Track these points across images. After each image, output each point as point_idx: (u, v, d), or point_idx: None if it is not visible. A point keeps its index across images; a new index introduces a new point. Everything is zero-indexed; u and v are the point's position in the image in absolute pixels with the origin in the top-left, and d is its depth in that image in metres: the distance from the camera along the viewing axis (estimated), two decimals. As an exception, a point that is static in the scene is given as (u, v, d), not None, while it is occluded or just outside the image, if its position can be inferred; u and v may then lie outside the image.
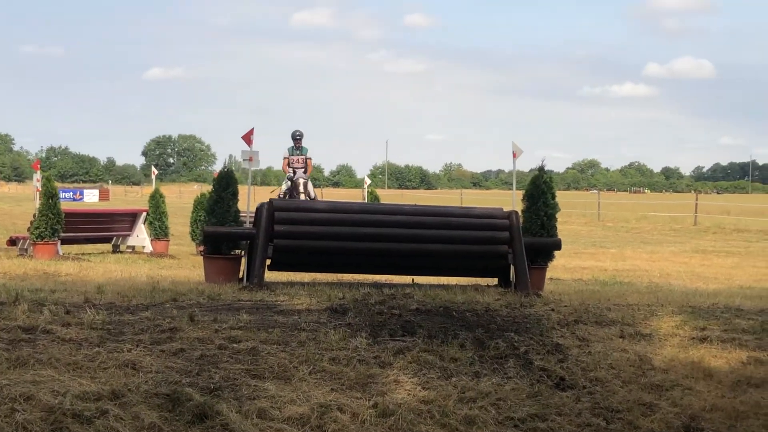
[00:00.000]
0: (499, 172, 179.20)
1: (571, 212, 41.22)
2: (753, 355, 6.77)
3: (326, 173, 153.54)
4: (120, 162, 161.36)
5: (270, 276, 10.08)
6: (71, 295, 8.16)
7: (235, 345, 6.16)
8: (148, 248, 18.75)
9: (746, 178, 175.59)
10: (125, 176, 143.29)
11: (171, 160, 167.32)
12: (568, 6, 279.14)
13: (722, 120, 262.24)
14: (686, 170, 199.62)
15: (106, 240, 19.00)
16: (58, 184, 16.98)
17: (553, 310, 8.31)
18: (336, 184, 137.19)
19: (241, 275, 9.95)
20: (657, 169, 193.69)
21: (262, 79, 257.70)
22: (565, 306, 8.62)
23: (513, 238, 10.16)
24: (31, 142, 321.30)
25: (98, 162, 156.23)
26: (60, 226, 15.57)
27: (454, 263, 10.33)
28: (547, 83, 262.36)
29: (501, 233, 10.22)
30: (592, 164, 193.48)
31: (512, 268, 10.18)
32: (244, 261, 10.04)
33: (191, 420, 4.76)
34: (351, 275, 10.72)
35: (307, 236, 9.84)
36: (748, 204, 54.09)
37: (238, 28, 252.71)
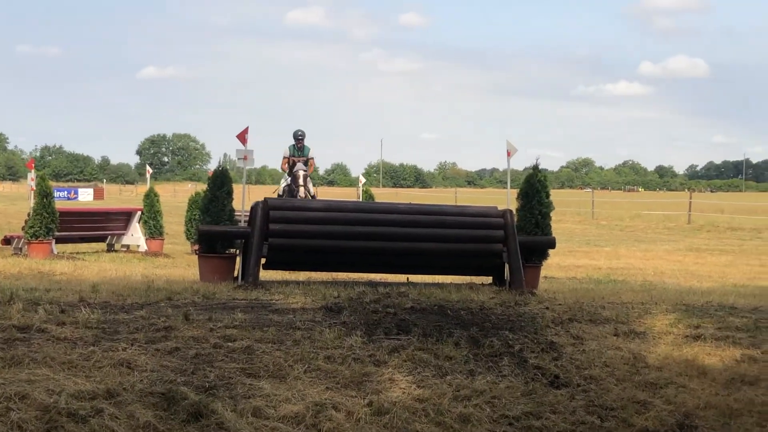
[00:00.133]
0: (494, 170, 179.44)
1: (566, 211, 41.28)
2: (747, 352, 6.79)
3: (321, 172, 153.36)
4: (114, 161, 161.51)
5: (265, 275, 10.07)
6: (66, 294, 8.15)
7: (230, 344, 6.16)
8: (143, 247, 18.73)
9: (740, 177, 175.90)
10: (120, 175, 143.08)
11: (165, 159, 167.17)
12: (563, 5, 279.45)
13: (716, 119, 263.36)
14: (680, 169, 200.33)
15: (101, 239, 18.97)
16: (52, 183, 16.94)
17: (547, 308, 8.32)
18: (331, 183, 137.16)
19: (236, 274, 9.94)
20: (651, 168, 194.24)
21: (257, 78, 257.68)
22: (560, 304, 8.63)
23: (507, 236, 10.17)
24: (25, 141, 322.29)
25: (93, 161, 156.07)
26: (54, 225, 15.55)
27: (448, 262, 10.34)
28: (541, 82, 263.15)
29: (495, 232, 10.23)
30: (587, 163, 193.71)
31: (507, 266, 10.18)
32: (239, 260, 10.03)
33: (186, 419, 4.76)
34: (346, 274, 10.72)
35: (302, 235, 9.84)
36: (741, 202, 54.18)
37: (232, 27, 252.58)
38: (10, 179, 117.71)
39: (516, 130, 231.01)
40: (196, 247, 12.56)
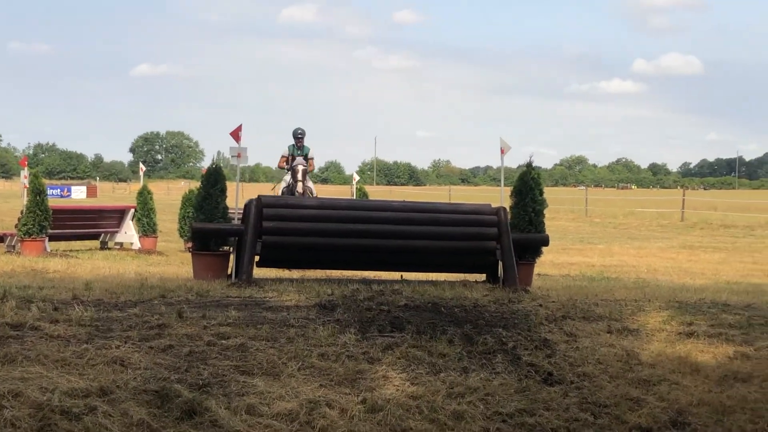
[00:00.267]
0: (488, 168, 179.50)
1: (559, 208, 41.32)
2: (739, 349, 6.80)
3: (315, 170, 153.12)
4: (108, 159, 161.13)
5: (259, 272, 10.07)
6: (59, 291, 8.14)
7: (223, 341, 6.15)
8: (136, 245, 18.72)
9: (733, 174, 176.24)
10: (113, 173, 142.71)
11: (159, 157, 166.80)
12: (557, 3, 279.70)
13: (709, 116, 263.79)
14: (673, 166, 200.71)
15: (94, 237, 18.96)
16: (45, 181, 16.92)
17: (541, 305, 8.33)
18: (324, 181, 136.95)
19: (229, 272, 9.94)
20: (644, 165, 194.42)
21: (250, 76, 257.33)
22: (553, 302, 8.65)
23: (501, 234, 10.18)
24: (18, 139, 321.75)
25: (86, 159, 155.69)
26: (48, 222, 15.53)
27: (442, 259, 10.34)
28: (535, 80, 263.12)
29: (489, 229, 10.24)
30: (580, 160, 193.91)
31: (500, 264, 10.20)
32: (232, 257, 10.03)
33: (180, 416, 4.76)
34: (340, 271, 10.72)
35: (295, 233, 9.84)
36: (734, 200, 54.33)
37: (226, 25, 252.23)
38: (3, 177, 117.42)
39: (510, 128, 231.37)
40: (190, 244, 12.54)
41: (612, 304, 8.58)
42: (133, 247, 18.68)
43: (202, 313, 7.03)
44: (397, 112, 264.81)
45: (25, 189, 15.93)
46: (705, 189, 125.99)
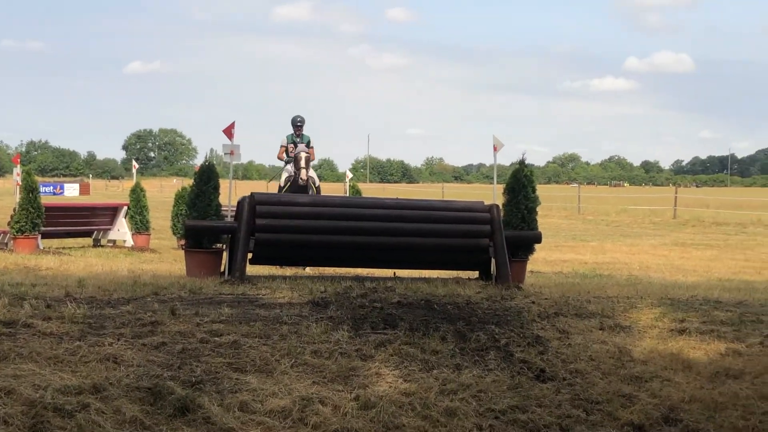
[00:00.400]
0: (480, 165, 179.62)
1: (552, 206, 41.38)
2: (731, 346, 6.83)
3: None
4: (100, 156, 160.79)
5: (252, 270, 10.07)
6: (52, 289, 8.12)
7: (216, 338, 6.15)
8: (129, 242, 18.69)
9: (725, 172, 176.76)
10: (106, 170, 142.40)
11: (152, 154, 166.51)
12: (548, 1, 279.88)
13: (701, 114, 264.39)
14: (666, 164, 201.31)
15: (87, 234, 18.93)
16: (38, 178, 16.88)
17: (533, 302, 8.35)
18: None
19: (222, 269, 9.93)
20: (637, 163, 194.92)
21: (243, 74, 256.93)
22: (546, 299, 8.66)
23: (494, 231, 10.19)
24: (11, 136, 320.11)
25: (79, 156, 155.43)
26: (40, 220, 15.50)
27: (435, 256, 10.35)
28: (527, 77, 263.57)
29: (482, 226, 10.26)
30: (573, 158, 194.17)
31: (493, 261, 10.21)
32: (225, 255, 10.02)
33: (173, 413, 4.76)
34: (333, 269, 10.72)
35: (288, 230, 9.83)
36: (726, 197, 54.43)
37: (219, 22, 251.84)
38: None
39: (502, 126, 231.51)
40: (183, 242, 12.52)
41: (604, 301, 8.59)
42: (126, 244, 18.65)
43: (195, 311, 7.02)
44: (390, 110, 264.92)
45: (18, 186, 15.90)
46: (697, 186, 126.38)
